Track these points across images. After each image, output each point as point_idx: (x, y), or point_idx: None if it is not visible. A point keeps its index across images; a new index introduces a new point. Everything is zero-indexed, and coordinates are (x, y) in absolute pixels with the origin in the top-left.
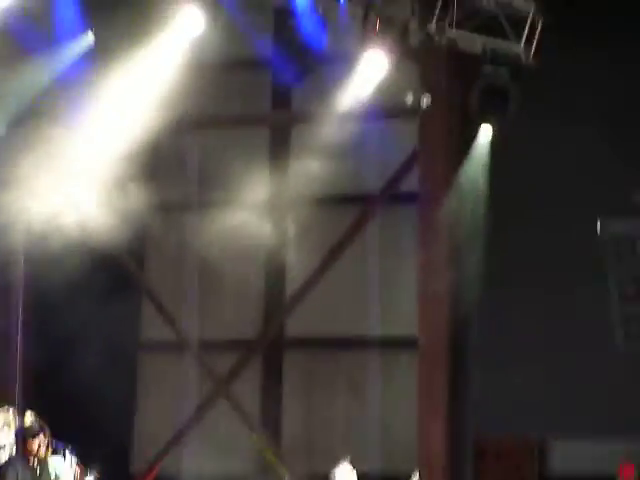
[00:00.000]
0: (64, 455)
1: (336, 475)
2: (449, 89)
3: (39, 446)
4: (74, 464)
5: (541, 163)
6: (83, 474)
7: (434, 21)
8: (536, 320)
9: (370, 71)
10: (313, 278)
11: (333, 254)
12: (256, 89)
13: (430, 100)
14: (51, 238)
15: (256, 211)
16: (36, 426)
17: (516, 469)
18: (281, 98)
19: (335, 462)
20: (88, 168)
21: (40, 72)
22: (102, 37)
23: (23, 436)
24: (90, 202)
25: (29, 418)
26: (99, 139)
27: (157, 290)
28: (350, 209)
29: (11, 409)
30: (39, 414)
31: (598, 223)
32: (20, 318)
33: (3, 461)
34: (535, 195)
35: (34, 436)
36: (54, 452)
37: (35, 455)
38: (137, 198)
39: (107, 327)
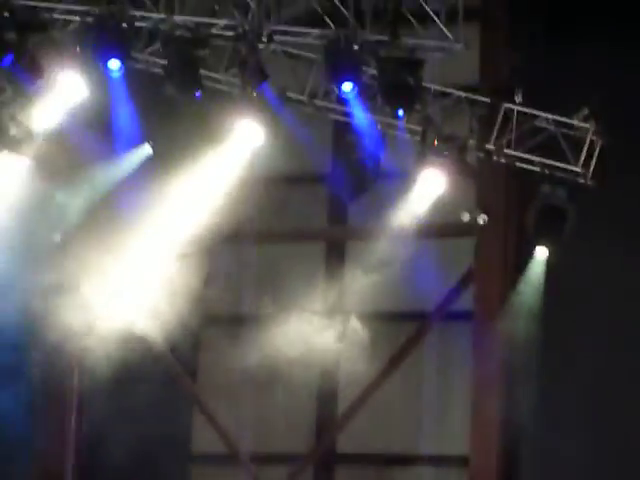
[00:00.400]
0: None
1: None
2: (506, 208)
3: None
4: None
5: (594, 287)
6: None
7: (492, 140)
8: (588, 447)
9: (427, 188)
10: (366, 393)
11: (387, 370)
12: (313, 204)
13: (487, 218)
14: (109, 347)
15: (311, 325)
16: None
17: None
18: (337, 213)
19: None
20: (144, 273)
21: (98, 181)
22: (161, 148)
23: None
24: (145, 310)
25: None
26: (157, 245)
27: (209, 402)
28: (405, 326)
29: None
30: None
31: None
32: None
33: None
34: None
35: None
36: None
37: None
38: (193, 307)
39: (159, 439)
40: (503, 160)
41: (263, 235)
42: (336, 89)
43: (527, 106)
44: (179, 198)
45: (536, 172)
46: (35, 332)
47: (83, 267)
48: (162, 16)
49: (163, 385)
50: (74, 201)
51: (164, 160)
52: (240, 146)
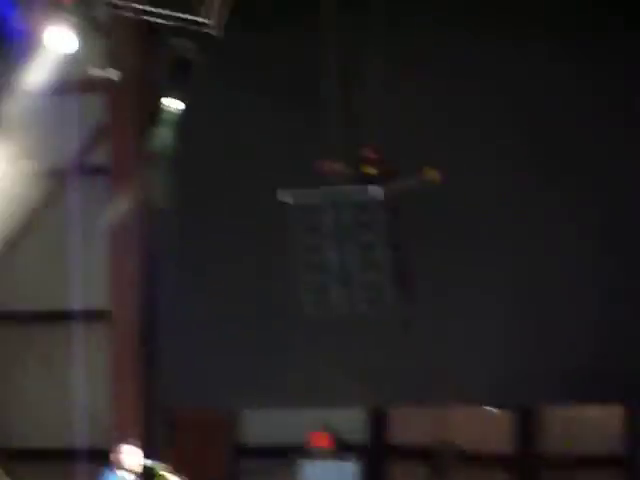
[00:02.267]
0: None
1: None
2: (138, 62)
3: None
4: None
5: (226, 132)
6: None
7: None
8: (226, 294)
9: (57, 45)
10: (6, 252)
11: (27, 228)
12: None
13: (119, 73)
14: None
15: None
16: None
17: (210, 440)
18: None
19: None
20: None
21: None
22: None
23: None
24: None
25: None
26: None
27: None
28: (44, 183)
29: None
30: None
31: (280, 193)
32: None
33: None
34: (221, 166)
35: None
36: None
37: None
38: None
39: None
40: (133, 14)
41: None
42: None
43: None
44: None
45: (166, 25)
46: None
47: None
48: None
49: None
50: None
51: None
52: None
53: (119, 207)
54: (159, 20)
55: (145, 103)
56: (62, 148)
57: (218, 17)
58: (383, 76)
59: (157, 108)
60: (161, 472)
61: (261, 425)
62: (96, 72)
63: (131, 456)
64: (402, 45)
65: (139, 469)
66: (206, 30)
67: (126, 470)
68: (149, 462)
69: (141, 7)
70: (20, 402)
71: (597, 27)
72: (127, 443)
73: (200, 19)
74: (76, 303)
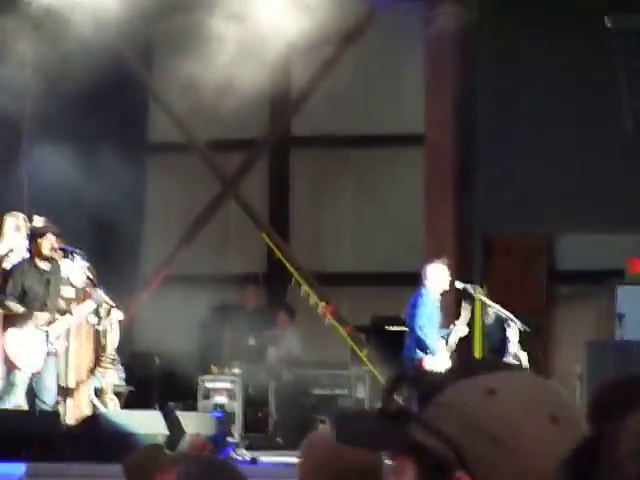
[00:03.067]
0: (73, 259)
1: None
2: None
3: (50, 248)
4: (85, 267)
5: None
6: (95, 277)
7: None
8: (544, 115)
9: None
10: (319, 75)
11: (337, 52)
12: None
13: None
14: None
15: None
16: (46, 226)
17: (524, 264)
18: None
19: (345, 258)
20: None
21: None
22: None
23: (33, 236)
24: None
25: (39, 219)
26: None
27: (164, 91)
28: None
29: (21, 214)
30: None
31: (606, 18)
32: None
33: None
34: None
35: (42, 236)
36: (65, 255)
37: (45, 257)
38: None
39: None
40: None
41: None
42: None
43: None
44: None
45: None
46: None
47: None
48: None
49: (117, 76)
50: None
51: None
52: None
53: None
54: None
55: None
56: None
57: None
58: None
59: None
60: (480, 296)
61: (578, 250)
62: None
63: (443, 276)
64: None
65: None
66: None
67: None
68: (468, 286)
69: None
70: (335, 226)
71: None
72: (440, 264)
73: None
74: (391, 127)
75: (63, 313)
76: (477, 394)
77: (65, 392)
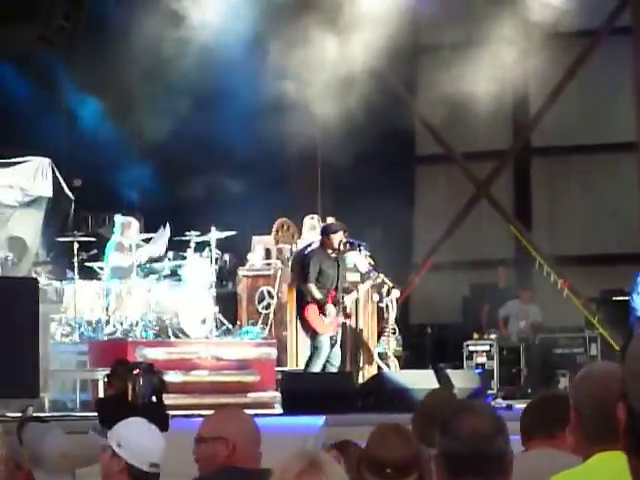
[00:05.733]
0: (359, 250)
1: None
2: None
3: (340, 242)
4: (368, 258)
5: None
6: (377, 264)
7: None
8: None
9: None
10: (551, 98)
11: (566, 79)
12: None
13: None
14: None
15: (501, 48)
16: (337, 224)
17: None
18: None
19: (576, 243)
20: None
21: None
22: None
23: (326, 232)
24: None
25: (331, 219)
26: None
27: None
28: (577, 43)
29: (316, 216)
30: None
31: None
32: None
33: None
34: None
35: (335, 232)
36: (351, 248)
37: (335, 249)
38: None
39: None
40: None
41: None
42: None
43: None
44: None
45: None
46: None
47: None
48: None
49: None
50: None
51: None
52: None
53: None
54: None
55: None
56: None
57: None
58: None
59: None
60: None
61: None
62: None
63: None
64: None
65: None
66: None
67: None
68: None
69: None
70: (568, 218)
71: None
72: None
73: None
74: (608, 137)
75: (349, 292)
76: None
77: (357, 356)
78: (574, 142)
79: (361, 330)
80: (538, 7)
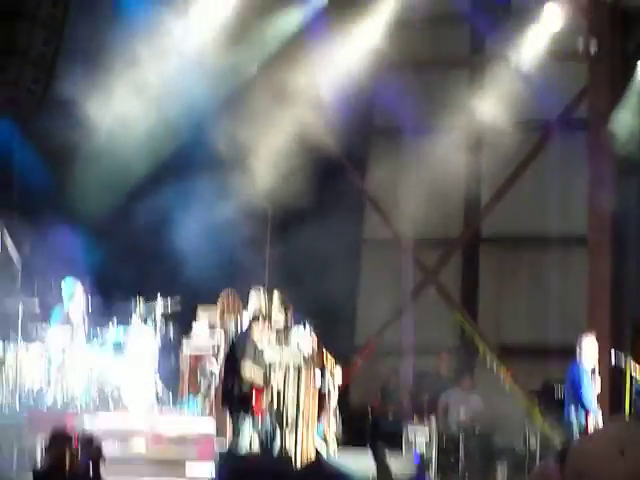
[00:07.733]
0: (304, 326)
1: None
2: (612, 38)
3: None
4: (312, 334)
5: None
6: (320, 343)
7: None
8: None
9: (549, 21)
10: (503, 188)
11: (519, 169)
12: (456, 39)
13: (597, 46)
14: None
15: (455, 137)
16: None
17: None
18: (477, 44)
19: (521, 333)
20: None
21: (286, 23)
22: None
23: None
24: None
25: (277, 295)
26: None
27: (377, 195)
28: (532, 133)
29: (261, 287)
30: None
31: None
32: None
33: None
34: None
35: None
36: (295, 322)
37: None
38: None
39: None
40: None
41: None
42: None
43: None
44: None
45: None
46: None
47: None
48: None
49: (339, 184)
50: (267, 39)
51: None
52: None
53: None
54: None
55: (617, 70)
56: (545, 104)
57: None
58: None
59: (628, 75)
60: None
61: None
62: (579, 44)
63: (592, 349)
64: None
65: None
66: None
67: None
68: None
69: None
70: (513, 310)
71: None
72: (591, 338)
73: None
74: (559, 229)
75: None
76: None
77: (296, 437)
78: (524, 233)
79: (302, 411)
80: (495, 98)
